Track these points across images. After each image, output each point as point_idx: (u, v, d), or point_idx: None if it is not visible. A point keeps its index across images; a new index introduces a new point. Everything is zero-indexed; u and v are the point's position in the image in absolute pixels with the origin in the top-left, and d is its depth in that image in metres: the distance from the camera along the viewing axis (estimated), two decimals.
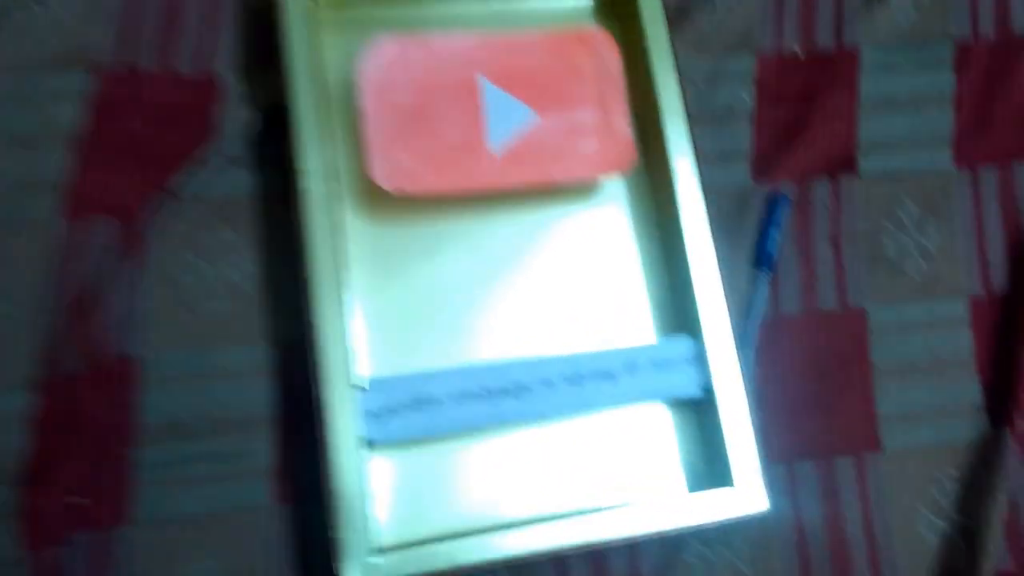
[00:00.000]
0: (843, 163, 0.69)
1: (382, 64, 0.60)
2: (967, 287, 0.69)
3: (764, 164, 0.69)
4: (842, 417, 0.65)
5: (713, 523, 0.56)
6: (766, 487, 0.57)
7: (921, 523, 0.63)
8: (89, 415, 0.56)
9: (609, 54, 0.64)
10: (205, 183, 0.61)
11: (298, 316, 0.57)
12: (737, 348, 0.60)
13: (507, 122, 0.62)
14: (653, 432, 0.61)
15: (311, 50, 0.59)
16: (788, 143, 0.69)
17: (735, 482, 0.57)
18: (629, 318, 0.63)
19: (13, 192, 0.59)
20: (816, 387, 0.65)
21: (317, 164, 0.57)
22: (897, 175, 0.70)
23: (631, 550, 0.59)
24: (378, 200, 0.61)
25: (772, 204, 0.67)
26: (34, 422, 0.55)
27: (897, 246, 0.69)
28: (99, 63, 0.63)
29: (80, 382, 0.56)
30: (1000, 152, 0.71)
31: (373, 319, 0.60)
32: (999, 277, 0.69)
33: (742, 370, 0.59)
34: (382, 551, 0.53)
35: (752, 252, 0.67)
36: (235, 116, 0.63)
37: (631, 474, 0.60)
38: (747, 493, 0.57)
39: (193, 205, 0.61)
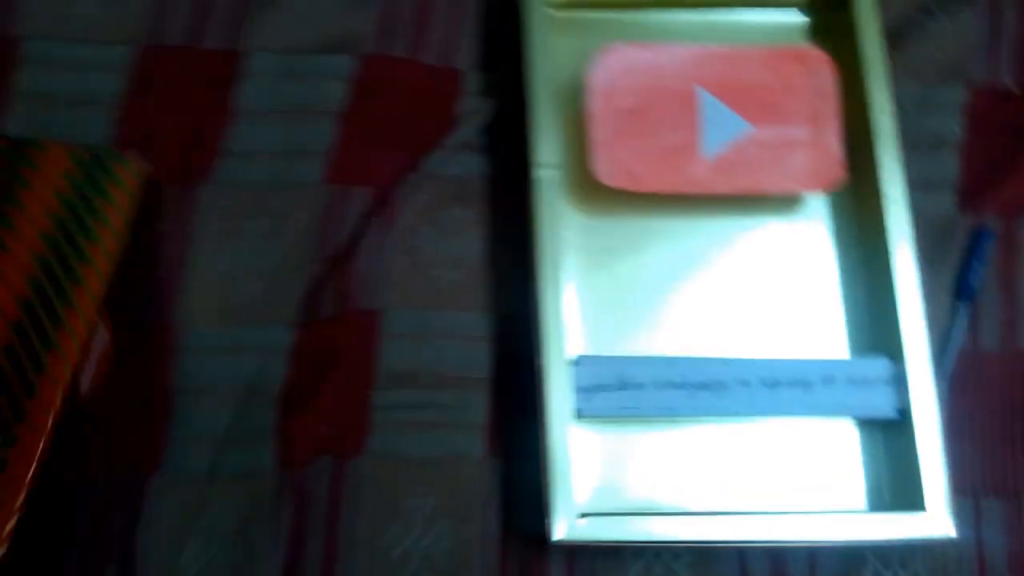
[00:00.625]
0: None
1: (610, 69, 0.64)
2: None
3: (970, 196, 0.68)
4: None
5: (896, 541, 0.57)
6: (953, 515, 0.57)
7: None
8: (339, 355, 0.62)
9: (825, 73, 0.65)
10: (443, 163, 0.67)
11: (516, 291, 0.62)
12: (934, 375, 0.60)
13: (722, 131, 0.64)
14: (841, 448, 0.62)
15: (547, 51, 0.64)
16: (996, 177, 0.69)
17: (926, 506, 0.57)
18: (823, 332, 0.64)
19: (288, 156, 0.67)
20: (1010, 425, 0.64)
21: (548, 157, 0.62)
22: None
23: (810, 556, 0.60)
24: (595, 194, 0.64)
25: (976, 237, 0.67)
26: (295, 356, 0.62)
27: None
28: (361, 48, 0.69)
29: (333, 326, 0.63)
30: None
31: (582, 303, 0.63)
32: None
33: (937, 398, 0.59)
34: (583, 515, 0.56)
35: (950, 284, 0.66)
36: (473, 106, 0.68)
37: (814, 485, 0.61)
38: (933, 517, 0.57)
39: (433, 182, 0.66)
